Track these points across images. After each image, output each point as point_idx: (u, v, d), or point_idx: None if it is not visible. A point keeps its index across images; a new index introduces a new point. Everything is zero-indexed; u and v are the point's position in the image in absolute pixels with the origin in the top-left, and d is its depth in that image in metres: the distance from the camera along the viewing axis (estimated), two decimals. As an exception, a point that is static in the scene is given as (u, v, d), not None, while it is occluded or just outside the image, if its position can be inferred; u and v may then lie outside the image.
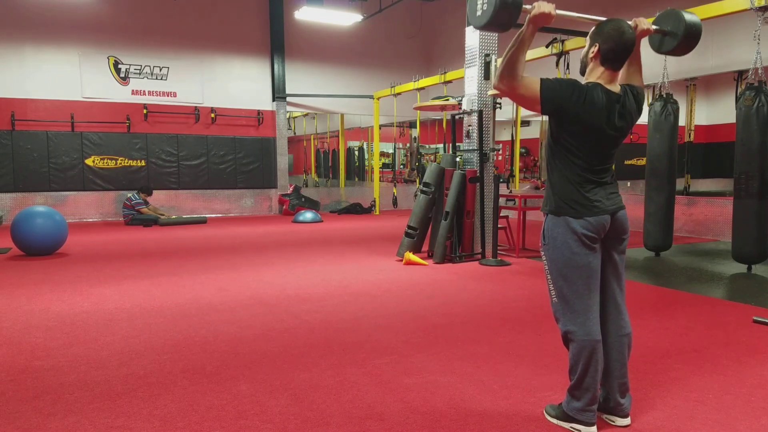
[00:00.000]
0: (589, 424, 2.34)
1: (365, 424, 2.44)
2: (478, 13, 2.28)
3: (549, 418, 2.47)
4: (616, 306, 2.43)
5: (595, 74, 2.32)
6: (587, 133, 2.26)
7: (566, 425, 2.39)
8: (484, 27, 2.29)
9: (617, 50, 2.27)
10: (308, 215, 11.33)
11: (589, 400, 2.33)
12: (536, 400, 2.69)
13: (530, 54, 8.38)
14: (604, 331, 2.41)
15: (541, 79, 2.22)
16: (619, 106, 2.29)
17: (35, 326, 3.92)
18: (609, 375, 2.42)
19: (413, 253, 6.49)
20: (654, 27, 2.53)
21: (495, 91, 6.86)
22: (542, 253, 2.42)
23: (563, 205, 2.32)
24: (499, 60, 2.31)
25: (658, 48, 2.66)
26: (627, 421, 2.44)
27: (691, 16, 2.54)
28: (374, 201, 13.56)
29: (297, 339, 3.63)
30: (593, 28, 2.37)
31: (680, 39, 2.53)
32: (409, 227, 6.75)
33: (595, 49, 2.31)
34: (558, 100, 2.22)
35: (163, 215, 10.99)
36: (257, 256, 7.03)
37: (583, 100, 2.21)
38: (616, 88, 2.31)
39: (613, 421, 2.45)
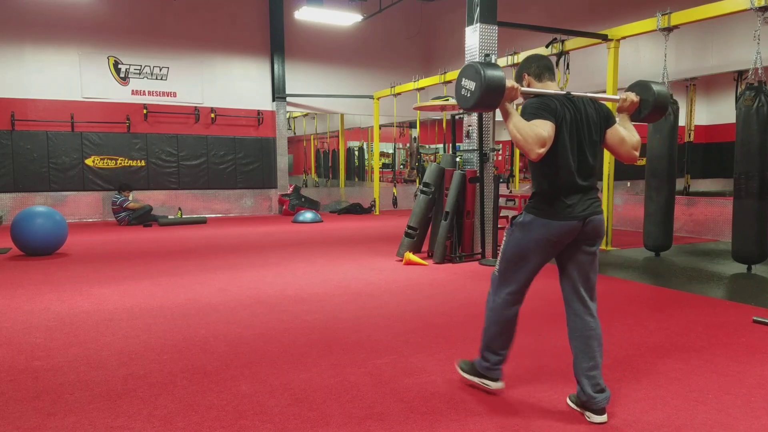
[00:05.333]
0: (495, 380, 2.71)
1: (365, 424, 2.44)
2: (463, 93, 2.44)
3: (461, 372, 2.82)
4: (583, 302, 2.53)
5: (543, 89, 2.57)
6: (568, 132, 2.43)
7: (476, 380, 2.75)
8: (473, 108, 2.45)
9: (540, 64, 2.63)
10: (308, 215, 11.33)
11: (496, 360, 2.68)
12: (536, 400, 2.69)
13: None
14: (571, 326, 2.55)
15: (539, 118, 2.37)
16: (569, 102, 2.48)
17: (35, 326, 3.92)
18: (577, 367, 2.51)
19: (413, 253, 6.49)
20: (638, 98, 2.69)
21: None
22: (505, 233, 2.64)
23: (537, 205, 2.50)
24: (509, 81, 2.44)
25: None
26: (602, 418, 2.44)
27: (660, 86, 2.68)
28: (374, 201, 13.56)
29: (297, 339, 3.63)
30: (514, 74, 2.72)
31: (650, 107, 2.67)
32: (409, 227, 6.75)
33: (527, 78, 2.64)
34: (556, 116, 2.41)
35: (136, 205, 10.83)
36: (257, 256, 7.03)
37: (557, 109, 2.42)
38: (560, 91, 2.54)
39: (589, 417, 2.46)
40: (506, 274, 2.59)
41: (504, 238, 2.63)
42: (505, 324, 2.64)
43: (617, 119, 2.64)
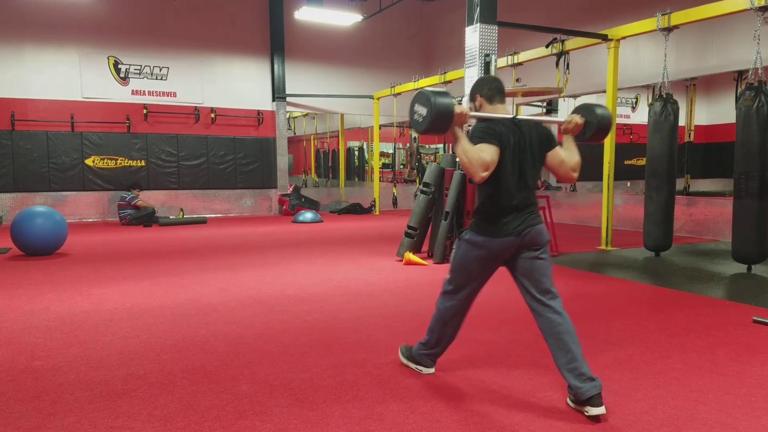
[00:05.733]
0: (429, 366, 3.01)
1: (365, 424, 2.44)
2: (416, 117, 2.59)
3: (402, 358, 3.11)
4: (542, 303, 2.66)
5: (494, 113, 2.74)
6: (512, 154, 2.60)
7: (413, 365, 3.05)
8: (425, 132, 2.61)
9: (492, 87, 2.78)
10: (308, 215, 11.33)
11: (433, 353, 2.98)
12: (536, 400, 2.69)
13: (531, 54, 8.42)
14: (540, 326, 2.67)
15: (485, 142, 2.54)
16: (515, 126, 2.66)
17: (35, 326, 3.92)
18: (557, 363, 2.59)
19: (413, 253, 6.49)
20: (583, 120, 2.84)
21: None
22: (455, 246, 2.81)
23: (478, 224, 2.71)
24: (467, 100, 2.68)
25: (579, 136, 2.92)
26: (599, 410, 2.44)
27: (603, 109, 2.84)
28: (374, 201, 13.56)
29: (297, 339, 3.64)
30: (470, 94, 2.87)
31: (594, 128, 2.83)
32: (409, 227, 6.75)
33: (479, 99, 2.79)
34: (501, 140, 2.58)
35: (144, 204, 10.94)
36: (257, 256, 7.03)
37: (502, 133, 2.59)
38: (508, 114, 2.73)
39: (587, 412, 2.45)
40: (454, 283, 2.84)
41: (453, 250, 2.86)
42: (450, 326, 2.90)
43: (565, 138, 2.82)
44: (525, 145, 2.64)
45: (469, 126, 2.72)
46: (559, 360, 2.56)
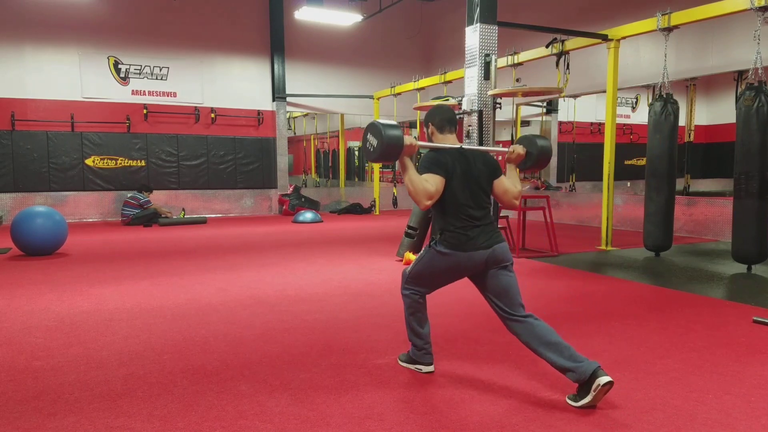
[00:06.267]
0: (427, 364, 3.02)
1: (365, 424, 2.44)
2: (368, 146, 2.80)
3: (401, 363, 3.12)
4: (515, 312, 2.76)
5: (443, 143, 2.89)
6: (460, 182, 2.76)
7: (412, 366, 3.06)
8: (375, 161, 2.82)
9: (443, 117, 2.93)
10: (308, 215, 11.33)
11: (422, 344, 3.00)
12: (536, 400, 2.69)
13: (531, 54, 8.42)
14: (518, 333, 2.75)
15: (431, 172, 2.72)
16: (462, 156, 2.82)
17: (35, 326, 3.92)
18: (550, 358, 2.63)
19: (413, 253, 6.49)
20: (525, 150, 3.06)
21: (495, 91, 6.86)
22: (424, 248, 2.96)
23: (447, 239, 2.79)
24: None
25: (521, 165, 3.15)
26: (606, 378, 2.49)
27: (544, 141, 3.08)
28: (374, 201, 13.57)
29: (297, 339, 3.64)
30: (423, 121, 3.04)
31: (534, 159, 3.07)
32: (409, 227, 6.75)
33: (431, 128, 2.95)
34: (447, 170, 2.75)
35: (169, 213, 11.09)
36: (257, 256, 7.03)
37: (448, 164, 2.75)
38: (456, 144, 2.89)
39: (597, 386, 2.49)
40: (416, 281, 2.97)
41: (421, 252, 2.95)
42: (417, 309, 3.01)
43: (508, 167, 3.02)
44: (471, 174, 2.79)
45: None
46: (551, 354, 2.62)
